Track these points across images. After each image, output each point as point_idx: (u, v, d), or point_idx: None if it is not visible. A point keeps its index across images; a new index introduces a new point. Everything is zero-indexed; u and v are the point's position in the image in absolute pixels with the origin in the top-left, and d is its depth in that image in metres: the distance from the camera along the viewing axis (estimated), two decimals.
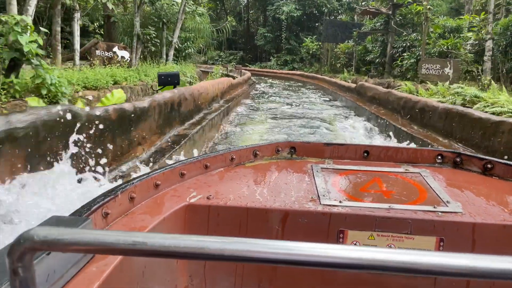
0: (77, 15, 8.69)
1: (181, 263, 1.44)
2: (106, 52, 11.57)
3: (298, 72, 29.09)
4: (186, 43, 14.61)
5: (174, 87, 7.35)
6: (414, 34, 19.58)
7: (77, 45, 8.86)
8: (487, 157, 1.91)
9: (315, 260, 0.54)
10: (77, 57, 8.74)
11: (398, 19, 20.29)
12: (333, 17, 31.24)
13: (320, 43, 29.35)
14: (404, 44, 19.33)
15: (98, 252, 0.59)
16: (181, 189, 1.57)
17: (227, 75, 22.24)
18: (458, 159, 1.95)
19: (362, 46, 23.89)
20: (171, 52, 12.90)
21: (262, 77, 28.59)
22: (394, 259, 0.53)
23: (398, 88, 14.10)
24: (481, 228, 1.39)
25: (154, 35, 10.34)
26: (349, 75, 22.94)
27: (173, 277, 1.41)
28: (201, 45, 16.69)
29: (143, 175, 1.49)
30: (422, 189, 1.65)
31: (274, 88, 22.30)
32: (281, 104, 14.88)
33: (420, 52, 16.33)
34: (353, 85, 16.97)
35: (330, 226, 1.43)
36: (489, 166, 1.86)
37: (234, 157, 1.88)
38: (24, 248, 0.55)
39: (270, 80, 27.09)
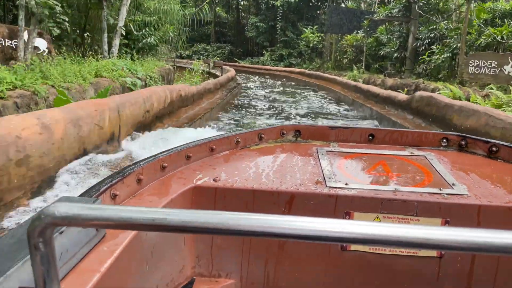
0: None
1: (189, 244, 1.50)
2: (7, 40, 7.69)
3: (297, 70, 24.85)
4: (145, 30, 10.66)
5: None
6: (445, 21, 15.85)
7: None
8: (492, 140, 1.94)
9: (321, 234, 0.56)
10: None
11: (422, 3, 16.55)
12: (336, 3, 27.24)
13: (322, 35, 25.41)
14: (432, 35, 15.62)
15: (117, 227, 0.60)
16: (187, 171, 1.61)
17: (209, 73, 18.36)
18: (463, 142, 1.99)
19: (373, 38, 20.14)
20: (116, 41, 8.95)
21: (252, 76, 24.35)
22: (400, 234, 0.54)
23: (437, 93, 10.35)
24: (487, 210, 1.42)
25: (58, 8, 6.30)
26: (358, 73, 19.14)
27: (181, 257, 1.47)
28: (171, 34, 12.68)
29: (150, 157, 1.52)
30: (427, 171, 1.68)
31: (265, 96, 16.01)
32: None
33: (458, 45, 12.65)
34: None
35: (336, 208, 1.44)
36: (494, 149, 1.88)
37: (239, 140, 1.92)
38: (45, 223, 0.57)
39: (260, 79, 22.86)
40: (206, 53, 35.09)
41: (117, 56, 9.49)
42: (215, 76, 15.69)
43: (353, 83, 15.97)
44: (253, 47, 33.96)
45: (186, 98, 8.70)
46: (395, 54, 17.67)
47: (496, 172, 1.72)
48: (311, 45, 25.24)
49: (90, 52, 8.74)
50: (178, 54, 35.21)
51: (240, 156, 1.83)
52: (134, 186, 1.37)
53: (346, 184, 1.52)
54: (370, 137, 2.04)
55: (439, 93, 10.47)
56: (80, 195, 1.14)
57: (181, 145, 1.69)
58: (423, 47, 15.81)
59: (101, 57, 8.86)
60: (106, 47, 9.07)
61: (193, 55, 32.56)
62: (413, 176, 1.62)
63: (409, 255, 1.50)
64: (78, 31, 9.33)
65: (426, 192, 1.48)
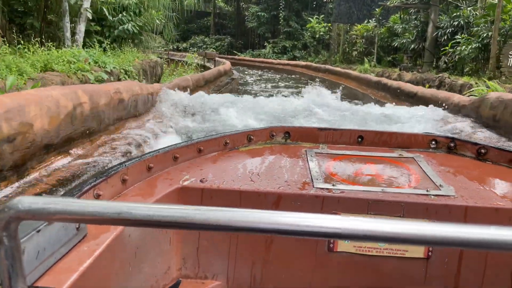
0: None
1: (174, 245, 1.50)
2: None
3: (303, 63, 22.83)
4: (122, 14, 9.03)
5: None
6: (470, 8, 14.14)
7: None
8: (480, 143, 1.98)
9: (308, 230, 0.56)
10: None
11: None
12: None
13: (329, 25, 23.66)
14: (456, 23, 13.92)
15: (84, 221, 0.60)
16: (174, 172, 1.61)
17: (204, 66, 16.71)
18: (452, 144, 2.02)
19: (385, 28, 18.45)
20: (81, 26, 7.34)
21: (252, 70, 22.01)
22: (388, 229, 0.54)
23: (471, 92, 8.71)
24: (473, 211, 1.44)
25: None
26: (370, 66, 17.47)
27: (166, 258, 1.46)
28: (158, 21, 11.04)
29: (136, 157, 1.52)
30: (415, 173, 1.71)
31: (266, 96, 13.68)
32: None
33: (489, 33, 10.97)
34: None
35: (323, 209, 1.46)
36: (482, 151, 1.91)
37: (228, 141, 1.92)
38: (9, 216, 0.57)
39: (259, 73, 20.85)
40: (204, 46, 33.66)
41: (83, 45, 7.88)
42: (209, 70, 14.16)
43: (375, 78, 14.15)
44: (254, 39, 32.18)
45: (134, 104, 5.78)
46: (412, 46, 15.97)
47: (484, 174, 1.76)
48: (317, 36, 23.49)
49: (49, 40, 7.14)
50: (175, 47, 34.01)
51: (229, 157, 1.85)
52: (118, 186, 1.36)
53: (333, 185, 1.54)
54: (359, 139, 2.08)
55: (472, 90, 8.84)
56: (62, 195, 1.09)
57: (169, 146, 1.70)
58: (445, 37, 14.13)
59: (66, 46, 7.27)
60: (68, 34, 7.46)
61: (191, 48, 31.00)
62: (401, 178, 1.66)
63: (396, 256, 1.50)
64: (35, 14, 7.71)
65: (413, 193, 1.51)
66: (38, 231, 0.83)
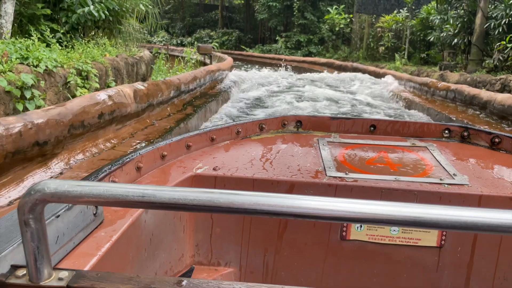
0: None
1: (188, 232, 1.54)
2: None
3: (323, 60, 19.89)
4: None
5: None
6: None
7: None
8: (494, 132, 1.98)
9: (321, 213, 0.57)
10: None
11: None
12: None
13: (351, 16, 21.18)
14: None
15: (108, 204, 0.61)
16: (187, 160, 1.64)
17: (203, 63, 14.45)
18: (465, 134, 2.03)
19: (418, 20, 15.99)
20: (8, 6, 5.12)
21: (261, 70, 17.84)
22: (402, 213, 0.55)
23: None
24: (487, 200, 1.45)
25: None
26: (401, 64, 15.05)
27: (180, 245, 1.50)
28: (143, 6, 8.80)
29: (149, 146, 1.56)
30: (428, 162, 1.72)
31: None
32: None
33: None
34: None
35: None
36: (496, 140, 1.92)
37: (240, 130, 1.96)
38: (35, 199, 0.59)
39: (273, 77, 14.63)
40: (210, 40, 31.78)
41: (19, 34, 5.68)
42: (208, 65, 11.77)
43: (418, 78, 11.41)
44: (265, 32, 29.80)
45: None
46: (455, 40, 13.50)
47: (498, 163, 1.77)
48: (336, 29, 21.01)
49: None
50: (179, 41, 32.10)
51: (241, 146, 1.88)
52: (133, 173, 1.40)
53: (346, 173, 1.56)
54: (372, 128, 2.10)
55: None
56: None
57: (181, 135, 1.74)
58: (499, 30, 11.67)
59: None
60: None
61: (195, 42, 28.95)
62: (414, 167, 1.67)
63: (409, 245, 1.52)
64: None
65: (427, 182, 1.51)
66: (58, 216, 0.87)
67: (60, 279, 0.68)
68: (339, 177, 1.52)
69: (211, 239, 1.57)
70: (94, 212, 1.04)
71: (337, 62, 17.99)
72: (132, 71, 8.64)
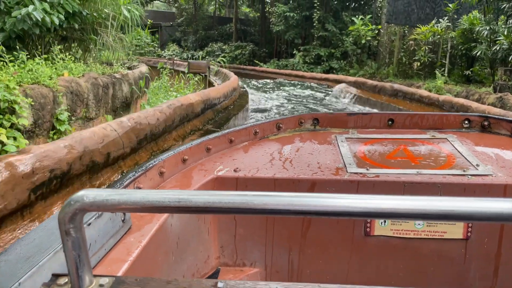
0: None
1: (212, 234, 1.58)
2: None
3: (351, 79, 15.82)
4: None
5: None
6: None
7: None
8: None
9: (346, 210, 0.57)
10: None
11: None
12: None
13: (379, 27, 19.09)
14: None
15: (145, 210, 0.62)
16: (208, 163, 1.68)
17: (210, 82, 12.48)
18: (486, 123, 2.03)
19: (458, 32, 13.88)
20: None
21: (276, 91, 16.13)
22: (426, 206, 0.55)
23: None
24: None
25: None
26: (441, 82, 12.92)
27: (205, 248, 1.54)
28: (127, 12, 6.92)
29: (171, 151, 1.59)
30: (450, 154, 1.72)
31: None
32: None
33: None
34: None
35: (359, 194, 1.44)
36: None
37: (257, 130, 1.99)
38: (75, 209, 0.61)
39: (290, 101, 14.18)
40: (222, 54, 30.35)
41: None
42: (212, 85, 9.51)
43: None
44: (281, 46, 27.92)
45: None
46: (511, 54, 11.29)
47: None
48: (362, 41, 18.90)
49: None
50: (189, 55, 30.70)
51: (259, 146, 1.90)
52: (156, 179, 1.43)
53: (367, 169, 1.56)
54: (390, 122, 2.11)
55: None
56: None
57: (201, 138, 1.76)
58: None
59: None
60: None
61: (207, 57, 27.58)
62: (436, 159, 1.67)
63: (434, 238, 1.52)
64: None
65: (450, 174, 1.51)
66: (89, 225, 0.89)
67: (101, 285, 0.69)
68: (361, 173, 1.54)
69: (235, 240, 1.60)
70: (123, 218, 1.07)
71: (370, 82, 13.86)
72: (105, 94, 6.71)
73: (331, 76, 18.28)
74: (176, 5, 37.93)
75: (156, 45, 32.70)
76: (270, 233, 1.58)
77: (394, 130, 2.06)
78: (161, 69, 12.40)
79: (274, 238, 1.59)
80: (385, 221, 1.53)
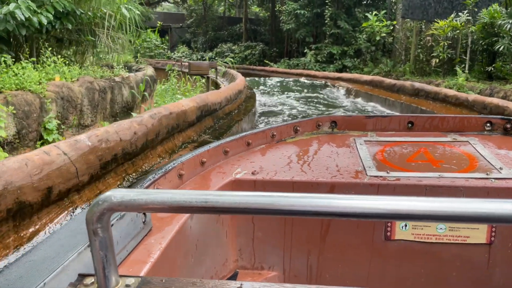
0: None
1: (230, 237, 1.59)
2: None
3: (366, 77, 14.32)
4: None
5: None
6: None
7: None
8: None
9: (366, 211, 0.57)
10: None
11: None
12: None
13: (394, 23, 18.38)
14: None
15: (172, 211, 0.63)
16: (225, 165, 1.70)
17: (215, 83, 12.01)
18: (508, 126, 2.00)
19: (479, 26, 13.18)
20: None
21: (285, 95, 14.90)
22: (444, 208, 0.54)
23: None
24: None
25: None
26: (463, 79, 12.30)
27: (224, 250, 1.55)
28: (126, 11, 6.51)
29: (189, 153, 1.60)
30: (472, 157, 1.70)
31: None
32: None
33: None
34: None
35: None
36: None
37: (275, 133, 1.99)
38: (102, 209, 0.62)
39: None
40: (232, 55, 29.97)
41: None
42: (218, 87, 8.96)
43: None
44: (292, 45, 27.31)
45: None
46: None
47: None
48: (377, 38, 18.19)
49: None
50: (199, 56, 30.38)
51: (277, 149, 1.90)
52: (176, 181, 1.45)
53: (387, 172, 1.54)
54: (409, 125, 2.08)
55: None
56: None
57: (219, 141, 1.78)
58: None
59: None
60: None
61: (216, 58, 27.22)
62: (457, 162, 1.64)
63: (456, 243, 1.50)
64: None
65: (472, 177, 1.48)
66: (111, 226, 0.86)
67: (127, 285, 0.70)
68: (381, 176, 1.52)
69: (253, 243, 1.60)
70: (143, 220, 1.08)
71: (388, 81, 12.51)
72: (102, 99, 6.27)
73: (344, 75, 17.21)
74: (185, 5, 37.65)
75: (166, 47, 32.47)
76: (288, 237, 1.59)
77: (414, 133, 2.05)
78: (169, 71, 12.26)
79: (292, 241, 1.59)
80: (406, 225, 1.52)
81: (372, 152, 1.77)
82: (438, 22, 14.45)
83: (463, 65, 13.72)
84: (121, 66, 8.25)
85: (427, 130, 2.05)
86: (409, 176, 1.50)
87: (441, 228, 1.50)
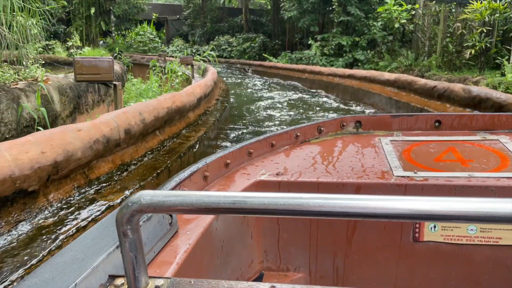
0: None
1: (256, 239, 1.61)
2: None
3: (388, 76, 10.30)
4: None
5: None
6: None
7: None
8: None
9: (394, 212, 0.57)
10: None
11: None
12: None
13: (416, 6, 15.61)
14: None
15: (201, 212, 0.64)
16: (250, 167, 1.72)
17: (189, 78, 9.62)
18: None
19: None
20: None
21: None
22: (476, 208, 0.53)
23: None
24: None
25: None
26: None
27: (249, 252, 1.58)
28: None
29: (213, 155, 1.63)
30: (503, 156, 1.68)
31: None
32: None
33: None
34: None
35: None
36: None
37: (298, 134, 2.01)
38: (132, 210, 0.63)
39: None
40: (229, 48, 27.56)
41: None
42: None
43: None
44: (294, 35, 24.64)
45: None
46: None
47: None
48: (395, 26, 15.43)
49: None
50: (194, 50, 28.02)
51: (301, 150, 1.91)
52: (201, 182, 1.47)
53: (415, 172, 1.53)
54: (437, 124, 2.07)
55: None
56: None
57: (242, 143, 1.80)
58: None
59: None
60: None
61: (212, 51, 24.84)
62: (488, 161, 1.62)
63: (488, 245, 1.49)
64: None
65: (504, 177, 1.47)
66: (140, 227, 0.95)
67: (156, 287, 0.72)
68: (408, 177, 1.52)
69: (278, 244, 1.62)
70: (170, 221, 1.10)
71: (423, 81, 8.46)
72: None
73: (357, 72, 13.06)
74: None
75: (161, 41, 30.17)
76: (314, 238, 1.60)
77: (442, 132, 2.06)
78: (153, 68, 10.76)
79: (318, 243, 1.60)
80: (435, 226, 1.50)
81: (399, 152, 1.79)
82: (473, 3, 11.80)
83: (507, 57, 11.09)
84: (37, 65, 5.91)
85: (455, 129, 2.06)
86: (437, 176, 1.50)
87: (472, 229, 1.48)
